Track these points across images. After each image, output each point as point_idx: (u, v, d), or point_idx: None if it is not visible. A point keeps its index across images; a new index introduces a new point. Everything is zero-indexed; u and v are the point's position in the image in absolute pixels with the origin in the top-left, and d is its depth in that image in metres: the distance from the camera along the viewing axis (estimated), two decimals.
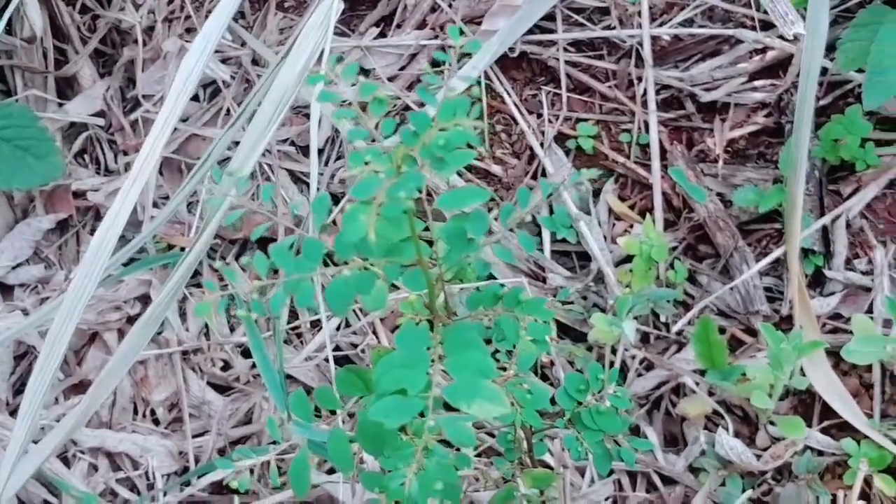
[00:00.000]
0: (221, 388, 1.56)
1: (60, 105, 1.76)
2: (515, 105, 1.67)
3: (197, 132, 1.70)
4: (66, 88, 1.80)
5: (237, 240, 1.64)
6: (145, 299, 1.61)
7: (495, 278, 1.53)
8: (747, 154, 1.61)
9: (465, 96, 0.50)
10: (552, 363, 1.49)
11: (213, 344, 1.56)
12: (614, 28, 1.68)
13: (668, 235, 1.56)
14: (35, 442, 1.42)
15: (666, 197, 1.58)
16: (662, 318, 1.51)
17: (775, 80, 1.62)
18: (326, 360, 1.50)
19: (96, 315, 1.59)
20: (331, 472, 1.43)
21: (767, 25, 1.63)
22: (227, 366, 1.57)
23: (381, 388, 0.51)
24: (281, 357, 1.48)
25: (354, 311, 1.55)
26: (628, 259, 1.52)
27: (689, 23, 1.67)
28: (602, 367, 1.04)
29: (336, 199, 1.62)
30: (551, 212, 1.59)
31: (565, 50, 1.69)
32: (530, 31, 1.68)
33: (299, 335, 1.57)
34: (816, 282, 1.52)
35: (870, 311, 1.47)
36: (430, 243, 0.69)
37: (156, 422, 1.56)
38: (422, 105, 1.64)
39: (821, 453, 1.40)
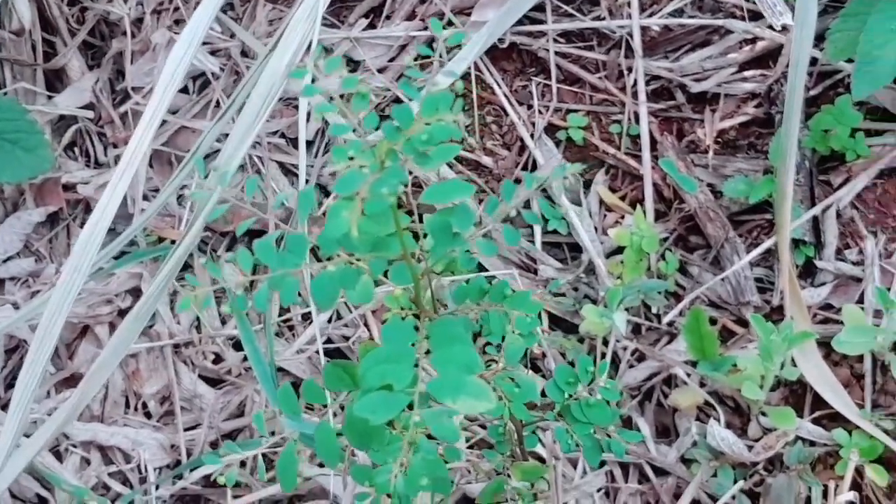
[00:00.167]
0: (213, 381, 1.56)
1: (50, 98, 1.76)
2: (505, 96, 1.66)
3: (186, 124, 1.70)
4: (56, 81, 1.79)
5: (228, 232, 1.63)
6: (136, 292, 1.61)
7: (486, 270, 1.53)
8: (738, 145, 1.61)
9: (449, 91, 0.49)
10: (544, 355, 1.49)
11: (204, 337, 1.56)
12: (604, 19, 1.68)
13: (658, 226, 1.56)
14: (27, 436, 1.42)
15: (657, 188, 1.58)
16: (654, 310, 1.51)
17: (765, 70, 1.62)
18: (318, 352, 1.50)
19: (87, 308, 1.59)
20: (323, 464, 1.43)
21: (757, 15, 1.63)
22: (218, 359, 1.56)
23: (366, 384, 0.51)
24: (272, 350, 1.48)
25: (346, 303, 1.55)
26: (619, 250, 1.51)
27: (678, 13, 1.67)
28: (592, 360, 1.04)
29: (326, 191, 1.61)
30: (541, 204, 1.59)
31: (555, 41, 1.68)
32: (520, 22, 1.67)
33: (291, 328, 1.56)
34: (807, 272, 1.52)
35: (860, 301, 1.47)
36: (419, 235, 0.69)
37: (147, 415, 1.55)
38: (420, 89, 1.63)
39: (812, 444, 1.40)
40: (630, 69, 1.64)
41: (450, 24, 1.69)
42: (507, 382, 0.77)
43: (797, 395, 1.45)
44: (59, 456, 1.52)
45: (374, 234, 0.50)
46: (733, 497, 1.37)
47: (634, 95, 1.63)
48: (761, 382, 1.37)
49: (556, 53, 1.67)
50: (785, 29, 1.56)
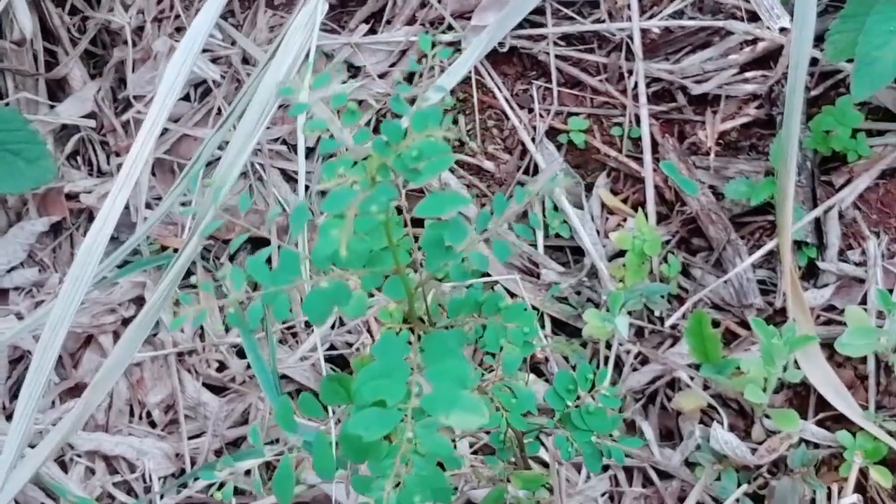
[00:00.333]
0: (217, 389, 1.56)
1: (52, 107, 1.76)
2: (506, 100, 1.66)
3: (188, 132, 1.70)
4: (58, 90, 1.79)
5: (230, 239, 1.63)
6: (140, 301, 1.61)
7: (489, 275, 1.53)
8: (739, 146, 1.61)
9: (440, 105, 0.49)
10: (546, 359, 1.49)
11: (207, 345, 1.56)
12: (604, 21, 1.67)
13: (661, 229, 1.55)
14: (32, 446, 1.42)
15: (658, 190, 1.58)
16: (657, 313, 1.51)
17: (766, 71, 1.62)
18: (320, 359, 1.50)
19: (91, 318, 1.59)
20: None
21: (758, 16, 1.62)
22: (222, 366, 1.57)
23: (360, 400, 0.51)
24: (274, 358, 1.48)
25: None
26: (622, 253, 1.51)
27: (679, 15, 1.67)
28: (592, 366, 1.04)
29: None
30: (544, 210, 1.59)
31: (555, 44, 1.68)
32: (520, 26, 1.67)
33: (294, 334, 1.57)
34: (810, 273, 1.51)
35: (863, 302, 1.47)
36: (416, 238, 0.69)
37: (152, 424, 1.56)
38: (413, 101, 1.63)
39: (816, 446, 1.40)
40: (631, 71, 1.64)
41: (450, 28, 1.69)
42: (504, 392, 0.77)
43: (801, 397, 1.45)
44: (64, 466, 1.52)
45: (365, 250, 0.50)
46: (737, 500, 1.37)
47: (635, 98, 1.63)
48: (764, 385, 1.37)
49: (557, 57, 1.67)
50: (784, 31, 1.56)
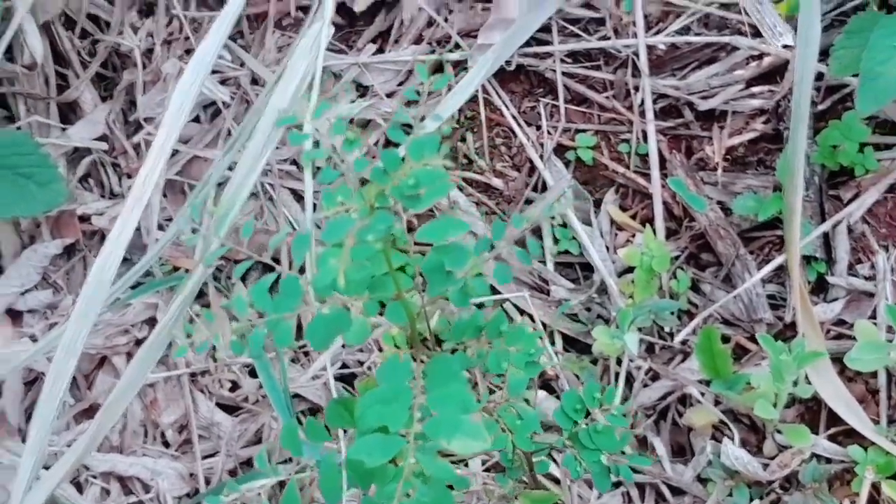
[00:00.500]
0: (230, 409, 1.56)
1: (63, 130, 1.77)
2: (514, 118, 1.67)
3: (199, 153, 1.71)
4: (69, 113, 1.81)
5: (241, 260, 1.64)
6: (152, 322, 1.62)
7: (499, 292, 1.53)
8: (747, 161, 1.61)
9: (437, 134, 0.50)
10: (557, 376, 1.50)
11: (220, 365, 1.57)
12: (610, 38, 1.68)
13: (670, 244, 1.56)
14: (46, 468, 1.43)
15: (667, 206, 1.58)
16: (666, 328, 1.51)
17: (773, 86, 1.62)
18: (331, 379, 1.51)
19: (104, 339, 1.60)
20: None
21: (762, 33, 1.63)
22: (235, 386, 1.57)
23: (363, 425, 0.51)
24: (285, 377, 1.49)
25: None
26: (631, 269, 1.52)
27: (684, 31, 1.67)
28: (601, 384, 1.04)
29: None
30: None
31: (562, 61, 1.69)
32: (527, 44, 1.68)
33: (306, 353, 1.57)
34: (819, 288, 1.51)
35: (873, 316, 1.47)
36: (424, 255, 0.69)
37: (166, 444, 1.56)
38: (422, 118, 1.64)
39: (828, 461, 1.40)
40: (637, 88, 1.65)
41: (457, 47, 1.70)
42: (509, 414, 0.77)
43: (812, 411, 1.45)
44: (79, 487, 1.53)
45: (365, 278, 0.50)
46: None
47: (642, 114, 1.63)
48: (775, 401, 1.37)
49: (564, 74, 1.68)
50: (787, 47, 1.57)
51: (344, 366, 1.54)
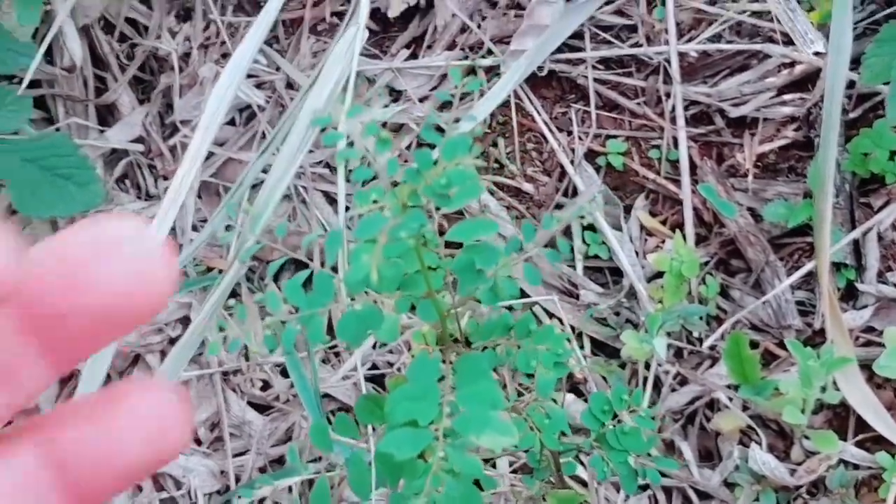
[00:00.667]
0: (261, 408, 1.58)
1: (101, 132, 1.80)
2: (545, 123, 1.68)
3: (233, 156, 1.73)
4: (107, 115, 1.84)
5: (274, 260, 1.66)
6: (186, 321, 1.64)
7: (529, 296, 1.54)
8: (778, 168, 1.62)
9: (470, 135, 0.52)
10: (585, 379, 1.51)
11: (252, 364, 1.59)
12: (642, 45, 1.69)
13: (699, 250, 1.56)
14: None
15: (697, 212, 1.59)
16: (695, 334, 1.52)
17: (804, 93, 1.62)
18: (361, 379, 1.52)
19: (138, 337, 1.62)
20: None
21: (794, 40, 1.64)
22: (266, 385, 1.59)
23: (392, 420, 0.53)
24: (316, 377, 1.51)
25: None
26: (660, 274, 1.52)
27: (716, 38, 1.68)
28: (627, 388, 1.05)
29: None
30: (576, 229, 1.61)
31: (594, 68, 1.70)
32: (559, 50, 1.69)
33: (337, 354, 1.59)
34: (849, 295, 1.52)
35: None
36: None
37: (198, 442, 1.58)
38: (457, 120, 1.65)
39: (856, 467, 1.40)
40: (668, 95, 1.65)
41: (489, 53, 1.72)
42: (538, 413, 0.78)
43: (840, 418, 1.45)
44: None
45: (397, 275, 0.52)
46: None
47: (673, 121, 1.64)
48: (803, 406, 1.37)
49: (595, 80, 1.69)
50: (818, 55, 1.57)
51: (374, 366, 1.56)
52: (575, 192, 1.63)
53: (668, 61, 1.66)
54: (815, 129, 1.58)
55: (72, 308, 0.38)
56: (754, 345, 1.49)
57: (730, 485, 1.43)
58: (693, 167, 1.61)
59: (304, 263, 1.59)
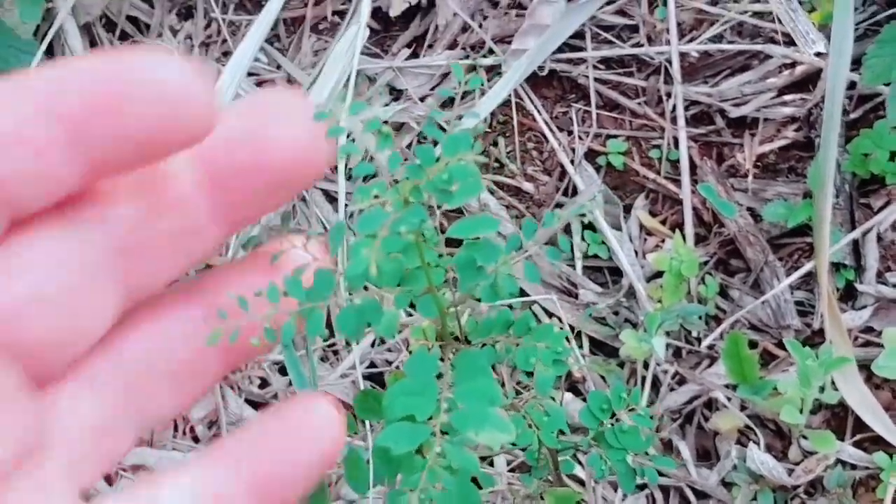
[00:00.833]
0: (259, 405, 1.59)
1: None
2: (546, 123, 1.68)
3: None
4: None
5: None
6: None
7: (527, 295, 1.54)
8: (778, 168, 1.62)
9: (472, 131, 0.52)
10: (584, 379, 1.51)
11: (250, 362, 1.59)
12: (643, 45, 1.69)
13: (699, 250, 1.57)
14: None
15: (696, 212, 1.59)
16: (694, 333, 1.52)
17: (805, 94, 1.63)
18: (359, 377, 1.52)
19: None
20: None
21: (795, 41, 1.64)
22: (264, 383, 1.59)
23: (390, 415, 0.53)
24: (314, 375, 1.51)
25: None
26: (660, 274, 1.52)
27: (717, 39, 1.68)
28: (626, 386, 1.05)
29: None
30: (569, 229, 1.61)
31: (595, 67, 1.70)
32: (560, 50, 1.69)
33: (335, 352, 1.59)
34: (848, 295, 1.52)
35: None
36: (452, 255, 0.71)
37: (195, 439, 1.59)
38: (460, 117, 1.65)
39: (853, 467, 1.40)
40: (669, 95, 1.66)
41: (490, 52, 1.72)
42: (536, 411, 0.78)
43: (838, 418, 1.45)
44: (108, 480, 1.55)
45: (397, 270, 0.52)
46: None
47: (674, 121, 1.64)
48: (801, 406, 1.37)
49: (596, 80, 1.69)
50: (819, 55, 1.57)
51: (372, 365, 1.56)
52: (575, 192, 1.63)
53: (669, 61, 1.66)
54: (816, 130, 1.58)
55: (252, 165, 0.41)
56: (753, 345, 1.49)
57: (727, 484, 1.43)
58: (693, 167, 1.61)
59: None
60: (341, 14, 1.81)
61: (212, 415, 1.58)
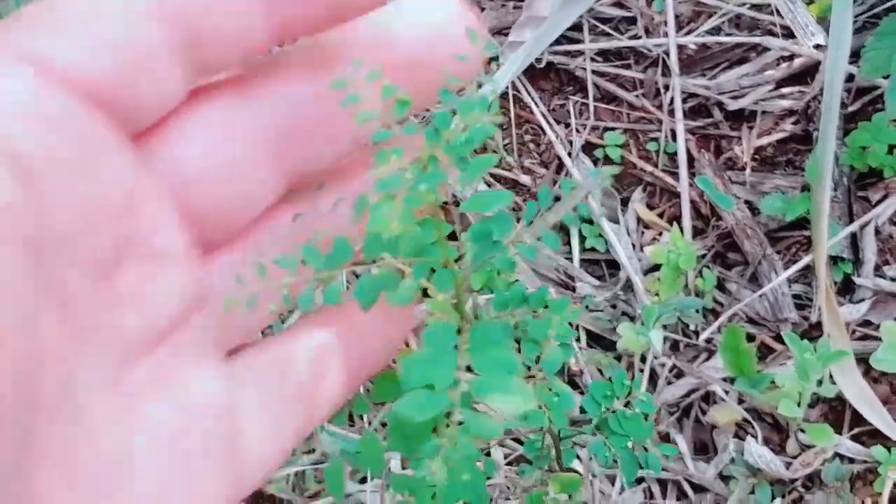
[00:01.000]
0: None
1: None
2: (543, 115, 1.68)
3: None
4: None
5: None
6: None
7: (524, 287, 1.54)
8: (776, 161, 1.62)
9: (487, 97, 0.51)
10: (581, 371, 1.50)
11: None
12: (641, 38, 1.69)
13: (696, 243, 1.56)
14: None
15: (694, 205, 1.59)
16: (691, 326, 1.51)
17: (803, 87, 1.63)
18: None
19: None
20: (362, 481, 1.45)
21: (794, 33, 1.64)
22: None
23: (409, 384, 0.52)
24: None
25: None
26: (657, 267, 1.52)
27: (715, 31, 1.68)
28: (627, 374, 1.05)
29: None
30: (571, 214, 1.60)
31: (592, 60, 1.70)
32: (557, 42, 1.69)
33: None
34: (846, 289, 1.52)
35: None
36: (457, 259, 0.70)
37: None
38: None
39: (851, 461, 1.40)
40: (667, 87, 1.65)
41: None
42: (545, 393, 0.77)
43: (836, 411, 1.45)
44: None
45: (415, 236, 0.51)
46: None
47: (671, 113, 1.64)
48: (799, 400, 1.37)
49: (594, 72, 1.69)
50: (819, 48, 1.57)
51: None
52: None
53: (667, 53, 1.66)
54: (814, 123, 1.58)
55: (421, 59, 0.45)
56: (751, 338, 1.48)
57: (725, 478, 1.42)
58: (691, 160, 1.61)
59: None
60: None
61: None
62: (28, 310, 0.33)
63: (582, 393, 1.50)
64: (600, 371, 1.50)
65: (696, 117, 1.65)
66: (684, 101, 1.64)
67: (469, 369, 0.55)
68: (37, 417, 0.34)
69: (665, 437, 1.47)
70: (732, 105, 1.63)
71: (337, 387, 0.49)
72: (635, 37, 1.70)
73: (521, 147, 1.68)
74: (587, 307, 1.53)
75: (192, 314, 0.43)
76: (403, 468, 1.42)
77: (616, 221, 1.60)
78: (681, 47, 1.67)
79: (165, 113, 0.40)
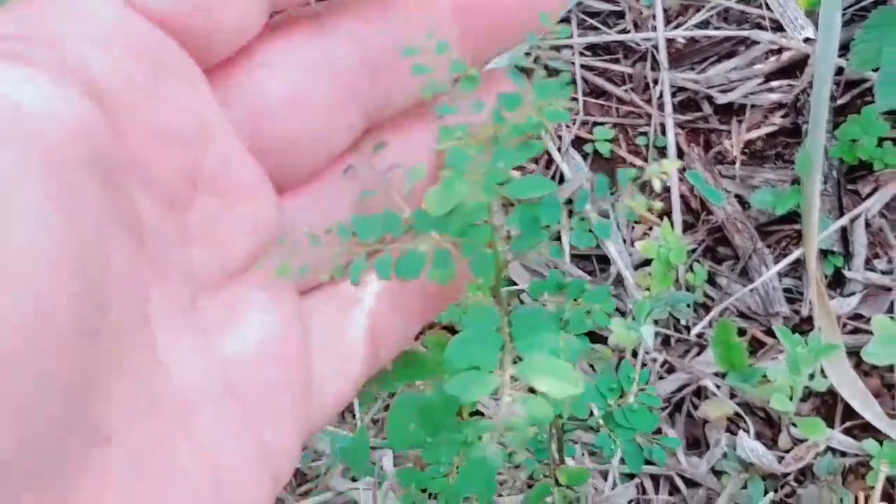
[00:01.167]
0: None
1: None
2: None
3: None
4: None
5: None
6: None
7: (515, 284, 1.53)
8: (765, 155, 1.62)
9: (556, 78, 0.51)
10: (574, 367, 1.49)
11: None
12: (629, 32, 1.69)
13: (687, 238, 1.56)
14: None
15: (684, 199, 1.59)
16: (682, 321, 1.51)
17: (792, 80, 1.63)
18: None
19: None
20: (355, 479, 1.43)
21: (783, 26, 1.64)
22: None
23: (452, 366, 0.51)
24: None
25: None
26: (648, 262, 1.52)
27: (704, 25, 1.68)
28: (615, 376, 1.05)
29: None
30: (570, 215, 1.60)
31: (581, 54, 1.69)
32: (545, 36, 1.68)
33: None
34: (836, 282, 1.52)
35: (890, 310, 1.47)
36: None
37: None
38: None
39: (843, 454, 1.40)
40: (656, 81, 1.65)
41: None
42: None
43: (828, 405, 1.45)
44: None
45: (468, 214, 0.50)
46: None
47: (661, 107, 1.63)
48: (791, 394, 1.37)
49: (582, 66, 1.68)
50: (808, 41, 1.57)
51: None
52: (562, 179, 1.62)
53: (656, 48, 1.66)
54: (803, 116, 1.58)
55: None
56: (741, 332, 1.48)
57: (717, 472, 1.42)
58: (680, 154, 1.61)
59: None
60: None
61: None
62: (99, 234, 0.33)
63: None
64: (591, 367, 1.49)
65: (686, 111, 1.65)
66: (673, 95, 1.64)
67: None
68: (106, 344, 0.33)
69: (657, 432, 1.46)
70: (721, 99, 1.63)
71: (395, 336, 0.49)
72: (624, 31, 1.69)
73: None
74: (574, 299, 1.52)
75: (266, 251, 0.42)
76: (395, 466, 1.40)
77: (606, 216, 1.59)
78: (669, 41, 1.67)
79: (241, 46, 0.40)
